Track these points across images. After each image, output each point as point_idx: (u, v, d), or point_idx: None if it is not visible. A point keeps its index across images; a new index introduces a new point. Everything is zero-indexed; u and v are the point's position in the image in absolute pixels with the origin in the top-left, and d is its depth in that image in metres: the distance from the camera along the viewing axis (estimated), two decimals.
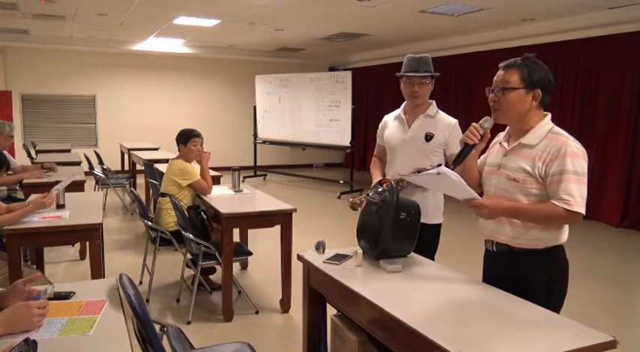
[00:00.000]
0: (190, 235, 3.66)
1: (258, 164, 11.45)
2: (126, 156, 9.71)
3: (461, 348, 1.54)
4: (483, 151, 2.28)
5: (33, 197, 3.42)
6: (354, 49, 11.48)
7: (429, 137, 2.92)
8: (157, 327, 1.91)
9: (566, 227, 2.08)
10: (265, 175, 11.37)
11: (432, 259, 2.83)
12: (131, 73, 11.47)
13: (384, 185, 2.54)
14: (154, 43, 10.69)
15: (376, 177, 3.06)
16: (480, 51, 8.76)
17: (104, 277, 3.44)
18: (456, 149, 2.78)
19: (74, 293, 1.93)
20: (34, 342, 1.45)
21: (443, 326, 1.72)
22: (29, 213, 3.09)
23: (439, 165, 2.79)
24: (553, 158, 1.96)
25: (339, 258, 2.45)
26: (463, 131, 2.77)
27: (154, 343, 1.75)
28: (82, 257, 5.08)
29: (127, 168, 9.76)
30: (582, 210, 1.92)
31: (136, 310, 1.79)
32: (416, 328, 1.69)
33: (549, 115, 2.11)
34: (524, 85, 2.02)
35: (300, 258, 2.54)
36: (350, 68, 12.16)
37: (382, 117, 3.23)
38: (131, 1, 6.68)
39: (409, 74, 2.90)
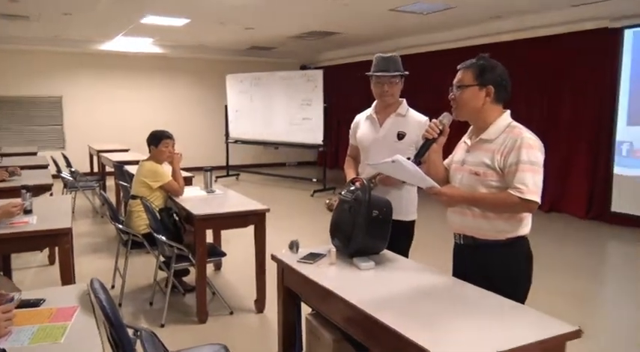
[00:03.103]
0: (163, 238, 3.62)
1: (230, 163, 11.38)
2: (95, 158, 9.54)
3: (432, 342, 1.58)
4: (450, 151, 2.36)
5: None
6: (325, 48, 11.51)
7: (400, 136, 2.95)
8: (131, 332, 1.89)
9: (529, 219, 2.16)
10: (238, 175, 11.31)
11: (407, 255, 2.88)
12: (99, 73, 11.24)
13: (357, 183, 2.57)
14: (122, 43, 10.52)
15: (350, 176, 3.08)
16: (450, 48, 8.87)
17: (75, 282, 3.37)
18: None
19: (44, 301, 1.90)
20: (3, 351, 1.42)
21: (415, 321, 1.76)
22: None
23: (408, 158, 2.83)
24: (510, 150, 2.06)
25: (313, 256, 2.47)
26: None
27: (127, 348, 1.74)
28: (52, 262, 4.98)
29: (96, 170, 9.59)
30: (535, 198, 2.00)
31: (108, 315, 1.77)
32: (388, 324, 1.72)
33: (508, 112, 2.20)
34: (476, 83, 2.14)
35: (274, 258, 2.54)
36: (321, 66, 12.18)
37: (354, 115, 3.25)
38: (96, 0, 6.56)
39: (379, 74, 2.93)
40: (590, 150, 7.07)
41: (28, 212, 3.39)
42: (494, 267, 2.12)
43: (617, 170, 6.71)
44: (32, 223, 3.18)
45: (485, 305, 1.90)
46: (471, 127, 2.29)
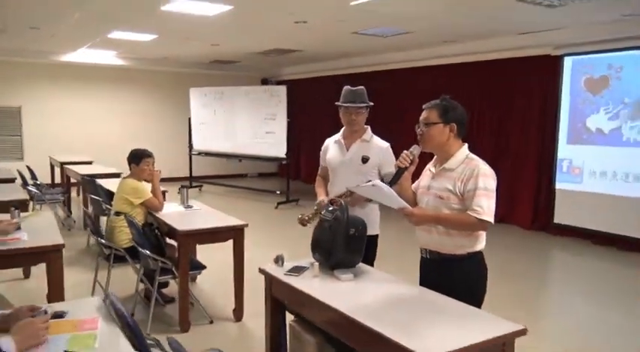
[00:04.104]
0: (147, 252, 3.84)
1: (192, 174, 11.52)
2: (57, 170, 9.49)
3: (406, 340, 1.92)
4: (417, 177, 2.74)
5: None
6: (286, 63, 11.86)
7: (365, 159, 3.34)
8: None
9: (483, 235, 2.55)
10: (201, 186, 11.45)
11: (372, 264, 3.25)
12: (60, 84, 11.14)
13: (335, 205, 2.92)
14: (85, 54, 10.49)
15: (320, 194, 3.46)
16: (408, 67, 9.41)
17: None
18: (388, 169, 3.27)
19: (67, 313, 2.13)
20: None
21: (391, 323, 2.08)
22: None
23: (369, 181, 3.21)
24: (468, 178, 2.45)
25: (298, 269, 2.78)
26: (394, 150, 3.30)
27: None
28: (27, 275, 5.07)
29: (57, 181, 9.54)
30: (490, 218, 2.40)
31: (130, 324, 2.04)
32: (370, 326, 2.06)
33: (466, 145, 2.60)
34: (441, 120, 2.52)
35: (262, 271, 2.84)
36: (282, 80, 12.53)
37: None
38: (69, 15, 6.63)
39: (347, 105, 3.32)
40: (535, 167, 7.69)
41: (17, 228, 3.54)
42: (456, 278, 2.49)
43: (558, 185, 7.34)
44: (24, 239, 3.34)
45: (449, 310, 2.26)
46: (435, 157, 2.68)
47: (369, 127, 3.43)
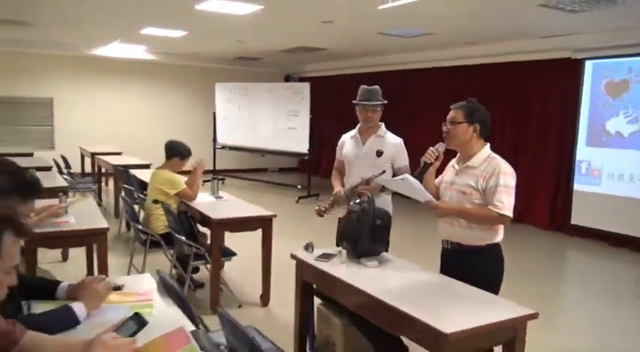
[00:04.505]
0: (183, 238, 4.10)
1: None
2: (87, 160, 9.84)
3: (430, 319, 2.13)
4: (440, 171, 2.94)
5: (42, 203, 3.72)
6: (309, 60, 12.06)
7: (379, 153, 3.60)
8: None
9: (502, 229, 2.75)
10: (223, 179, 11.71)
11: (387, 251, 3.45)
12: (90, 77, 11.48)
13: (362, 197, 3.14)
14: (115, 49, 10.84)
15: (336, 186, 3.72)
16: (428, 67, 9.55)
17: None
18: (401, 162, 3.57)
19: (123, 285, 2.38)
20: (140, 315, 1.84)
21: (412, 303, 2.29)
22: (44, 219, 3.45)
23: (383, 171, 3.46)
24: (490, 176, 2.65)
25: (327, 256, 3.00)
26: (407, 146, 3.60)
27: (195, 323, 2.25)
28: (65, 258, 5.37)
29: (87, 171, 9.89)
30: (509, 213, 2.61)
31: (180, 297, 2.29)
32: (394, 305, 2.27)
33: (488, 144, 2.81)
34: (466, 120, 2.72)
35: (293, 256, 3.07)
36: (305, 77, 12.74)
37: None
38: (98, 11, 6.89)
39: (364, 102, 3.58)
40: (553, 168, 7.80)
41: (65, 212, 3.83)
42: (475, 267, 2.69)
43: (576, 186, 7.44)
44: (72, 222, 3.62)
45: (467, 295, 2.46)
46: (458, 155, 2.88)
47: (383, 124, 3.69)
